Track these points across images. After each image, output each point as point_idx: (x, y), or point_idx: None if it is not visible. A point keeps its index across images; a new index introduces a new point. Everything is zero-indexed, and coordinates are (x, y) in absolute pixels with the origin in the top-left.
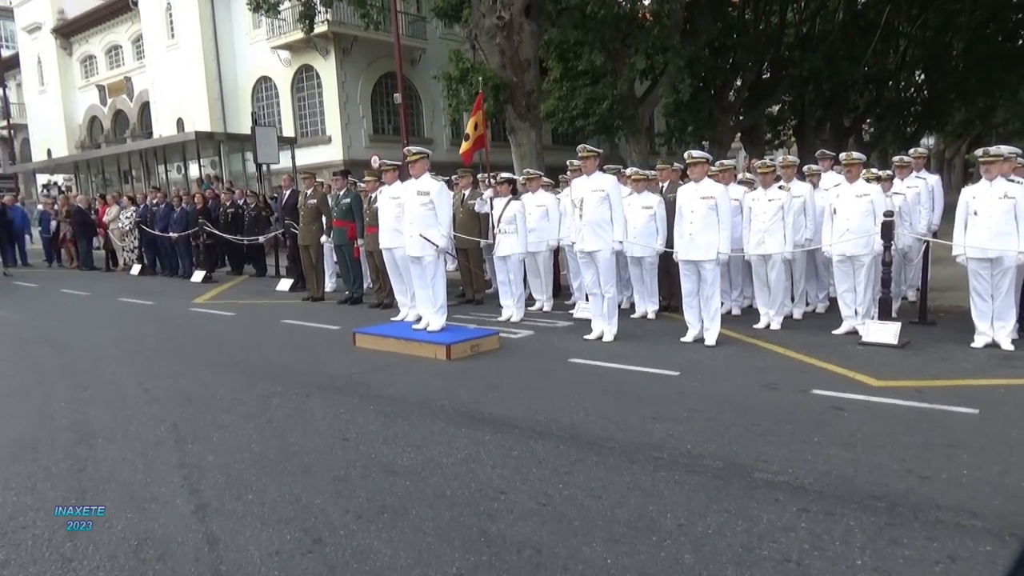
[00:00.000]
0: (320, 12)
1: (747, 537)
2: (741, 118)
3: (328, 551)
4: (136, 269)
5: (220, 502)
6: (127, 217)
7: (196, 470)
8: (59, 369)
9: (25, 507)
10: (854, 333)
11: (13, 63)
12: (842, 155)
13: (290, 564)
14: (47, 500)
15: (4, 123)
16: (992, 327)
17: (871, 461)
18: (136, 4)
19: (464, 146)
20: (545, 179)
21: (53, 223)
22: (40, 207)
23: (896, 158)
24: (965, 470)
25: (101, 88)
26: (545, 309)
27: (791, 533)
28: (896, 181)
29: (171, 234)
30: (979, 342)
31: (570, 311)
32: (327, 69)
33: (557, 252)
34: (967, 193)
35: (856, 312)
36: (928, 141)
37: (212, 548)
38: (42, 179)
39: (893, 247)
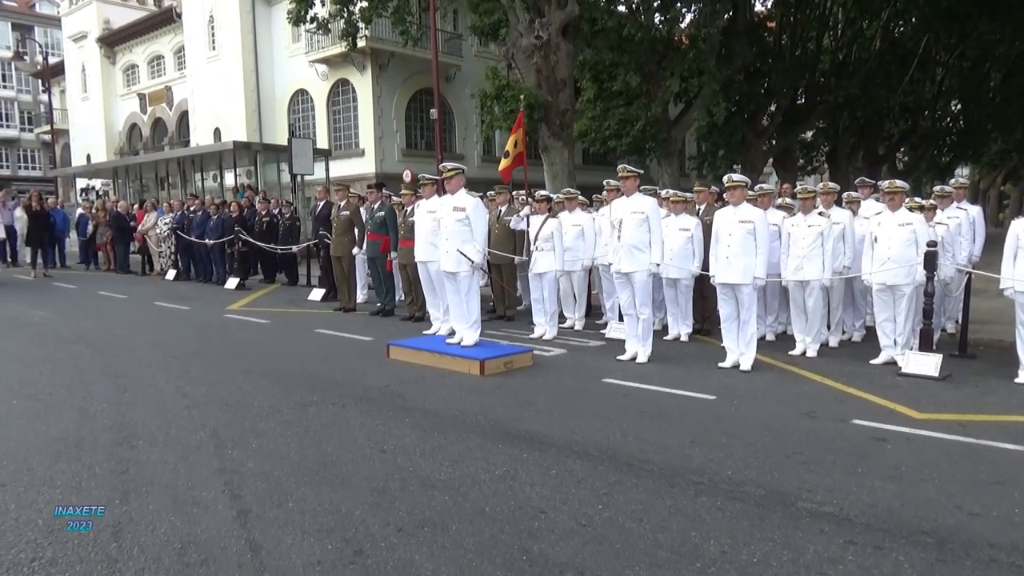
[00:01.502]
0: (360, 28)
1: (793, 568)
2: (774, 143)
3: (370, 563)
4: (171, 274)
5: (261, 509)
6: (164, 223)
7: (236, 476)
8: (99, 370)
9: (70, 506)
10: (892, 363)
11: (58, 70)
12: (884, 183)
13: (332, 574)
14: (92, 499)
15: (47, 128)
16: None
17: (917, 495)
18: (180, 16)
19: (503, 163)
20: (581, 198)
21: (90, 226)
22: (79, 211)
23: (937, 188)
24: (1017, 508)
25: (142, 96)
26: (577, 328)
27: (839, 566)
28: (937, 211)
29: (207, 241)
30: (1023, 377)
31: (602, 331)
32: (363, 83)
33: (590, 271)
34: (1017, 226)
35: (895, 342)
36: (963, 171)
37: (255, 555)
38: (81, 183)
39: (936, 278)
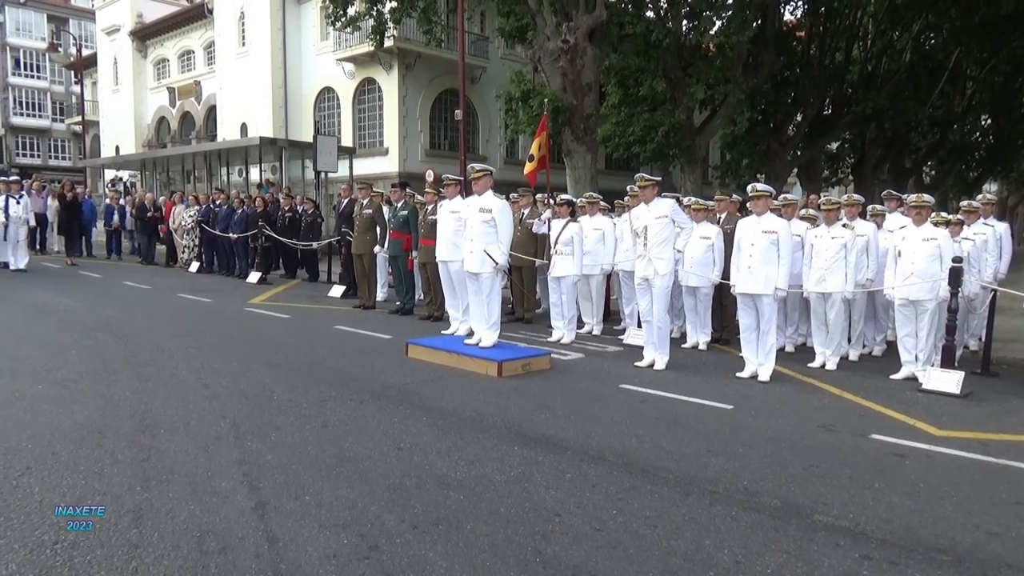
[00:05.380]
0: (389, 28)
1: None
2: (799, 153)
3: (385, 559)
4: (194, 267)
5: (279, 501)
6: (190, 216)
7: (255, 467)
8: (122, 358)
9: (93, 491)
10: (913, 379)
11: (91, 62)
12: (911, 196)
13: (347, 568)
14: (114, 485)
15: (78, 119)
16: None
17: (935, 512)
18: (211, 12)
19: (529, 166)
20: (603, 203)
21: (116, 216)
22: (107, 201)
23: (964, 203)
24: None
25: (171, 90)
26: (595, 333)
27: None
28: (963, 227)
29: (231, 235)
30: None
31: (620, 336)
32: (389, 83)
33: (609, 277)
34: None
35: (916, 358)
36: (991, 187)
37: (272, 546)
38: (109, 175)
39: (960, 294)
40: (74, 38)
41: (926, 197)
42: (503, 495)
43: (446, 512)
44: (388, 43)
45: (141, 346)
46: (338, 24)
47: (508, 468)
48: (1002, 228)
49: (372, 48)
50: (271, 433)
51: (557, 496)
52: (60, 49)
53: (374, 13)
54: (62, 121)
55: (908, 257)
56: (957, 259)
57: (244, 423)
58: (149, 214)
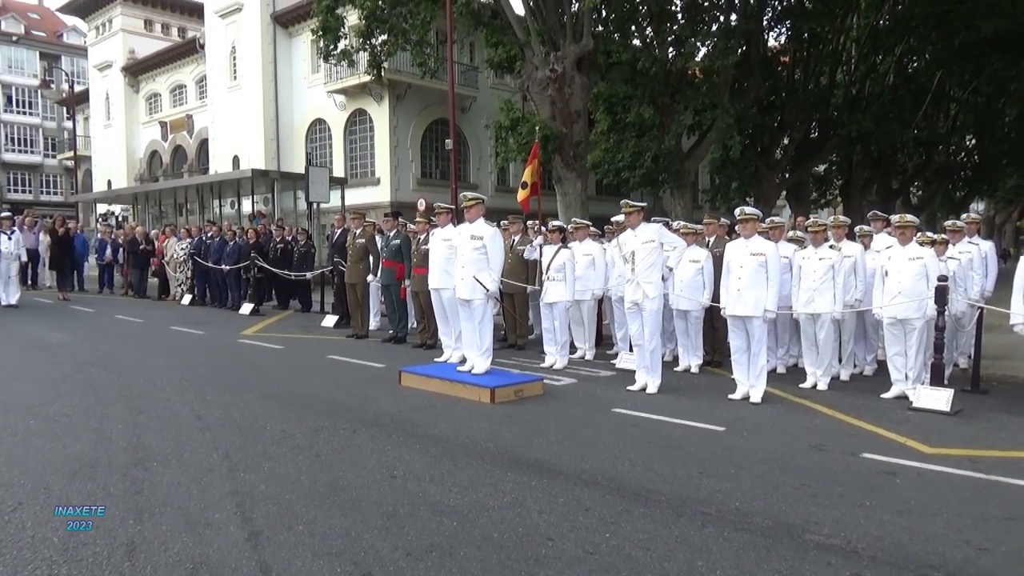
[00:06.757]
0: (382, 61)
1: None
2: (787, 176)
3: None
4: (187, 299)
5: (272, 531)
6: (182, 249)
7: (248, 498)
8: (115, 392)
9: None
10: (903, 398)
11: (83, 98)
12: (895, 217)
13: None
14: (106, 519)
15: (70, 154)
16: None
17: (926, 529)
18: (203, 47)
19: (522, 194)
20: (592, 228)
21: (108, 251)
22: (99, 235)
23: (948, 223)
24: None
25: (163, 124)
26: (587, 358)
27: None
28: (949, 246)
29: (223, 266)
30: None
31: (612, 361)
32: (380, 114)
33: (601, 302)
34: None
35: (906, 376)
36: (978, 206)
37: None
38: (101, 209)
39: (946, 312)
40: (66, 74)
41: (909, 217)
42: (496, 521)
43: (439, 539)
44: None
45: (134, 379)
46: (331, 59)
47: (501, 494)
48: (987, 246)
49: (363, 80)
50: (264, 464)
51: (550, 520)
52: (52, 85)
53: (367, 47)
54: (54, 156)
55: (895, 277)
56: (942, 278)
57: (237, 454)
58: (141, 247)
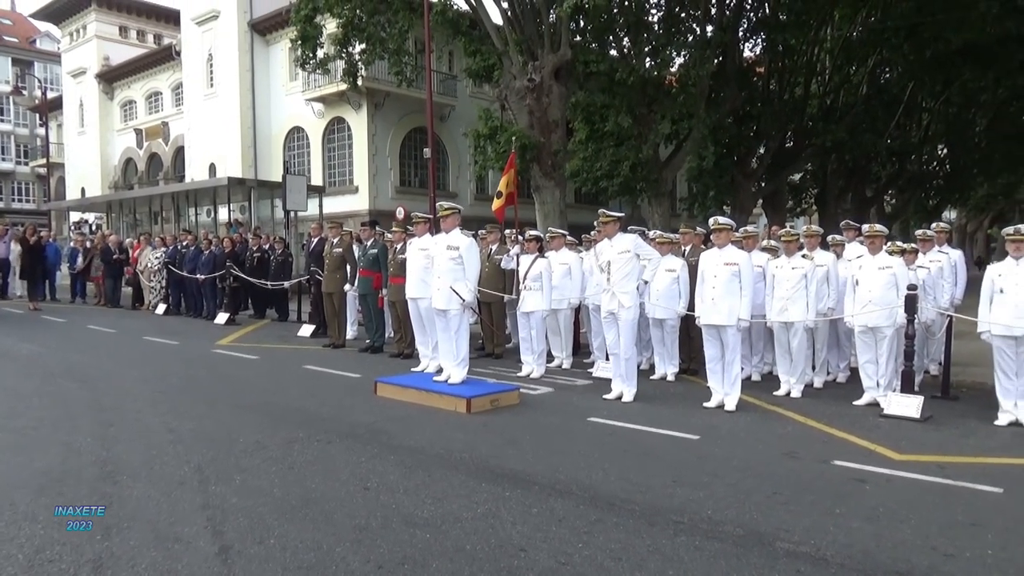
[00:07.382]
0: (360, 69)
1: None
2: (763, 185)
3: None
4: (161, 309)
5: (243, 545)
6: (156, 257)
7: (219, 512)
8: (85, 404)
9: (52, 541)
10: (875, 405)
11: (56, 105)
12: (864, 227)
13: None
14: (73, 535)
15: (43, 161)
16: (1016, 405)
17: (894, 536)
18: (179, 54)
19: (497, 203)
20: (569, 238)
21: (80, 259)
22: (71, 244)
23: (919, 232)
24: (990, 550)
25: (139, 132)
26: (564, 367)
27: None
28: (919, 255)
29: (198, 276)
30: (1003, 420)
31: (589, 370)
32: (358, 122)
33: (578, 311)
34: (993, 271)
35: (878, 384)
36: (950, 215)
37: None
38: (75, 217)
39: (916, 320)
40: (39, 81)
41: (879, 227)
42: (469, 532)
43: (412, 551)
44: (357, 83)
45: (105, 391)
46: (308, 66)
47: (475, 505)
48: (956, 255)
49: (341, 88)
50: (236, 476)
51: (523, 531)
52: (24, 92)
53: (344, 55)
54: (26, 164)
55: (865, 285)
56: (912, 286)
57: (209, 467)
58: (115, 256)
